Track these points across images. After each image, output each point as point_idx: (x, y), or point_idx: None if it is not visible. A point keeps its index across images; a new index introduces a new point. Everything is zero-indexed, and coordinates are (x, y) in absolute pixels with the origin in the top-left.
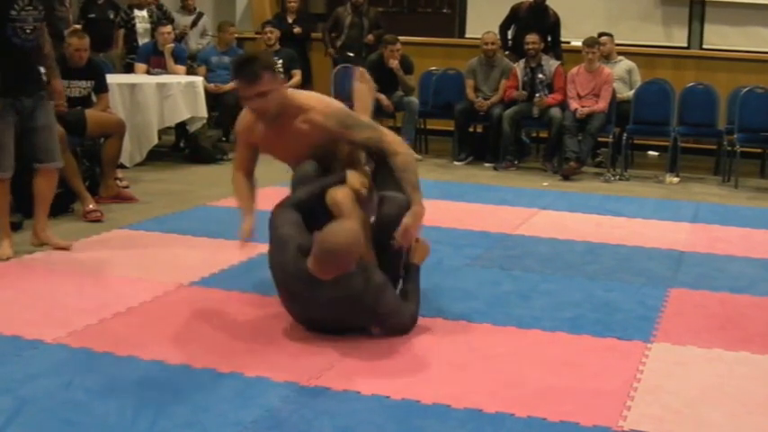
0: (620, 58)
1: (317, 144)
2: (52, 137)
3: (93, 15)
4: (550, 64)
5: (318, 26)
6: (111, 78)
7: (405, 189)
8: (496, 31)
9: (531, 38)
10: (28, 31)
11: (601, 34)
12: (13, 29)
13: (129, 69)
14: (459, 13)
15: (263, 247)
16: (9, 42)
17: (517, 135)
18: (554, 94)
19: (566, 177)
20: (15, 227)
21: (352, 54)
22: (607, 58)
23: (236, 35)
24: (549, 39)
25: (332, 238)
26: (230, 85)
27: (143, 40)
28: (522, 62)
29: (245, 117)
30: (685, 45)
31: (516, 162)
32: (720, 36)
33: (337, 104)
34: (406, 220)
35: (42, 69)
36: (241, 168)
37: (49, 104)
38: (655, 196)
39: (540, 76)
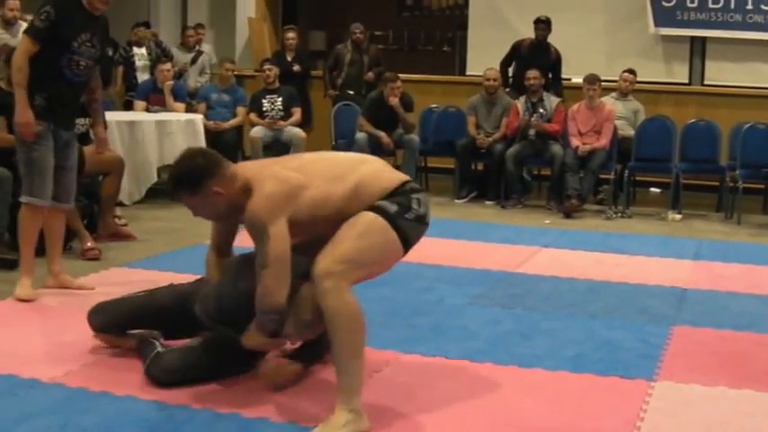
0: (631, 97)
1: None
2: (74, 178)
3: None
4: (551, 100)
5: (318, 64)
6: (111, 116)
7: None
8: (497, 68)
9: (532, 74)
10: (82, 66)
11: (626, 71)
12: (68, 60)
13: (128, 107)
14: (459, 50)
15: None
16: (61, 72)
17: (519, 173)
18: (552, 123)
19: (567, 215)
20: (12, 264)
21: (351, 92)
22: (624, 94)
23: (236, 72)
24: (551, 75)
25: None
26: (230, 123)
27: (142, 78)
28: (522, 98)
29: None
30: (686, 81)
31: (522, 200)
32: (721, 72)
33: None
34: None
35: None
36: (215, 245)
37: (77, 146)
38: (657, 233)
39: (541, 110)
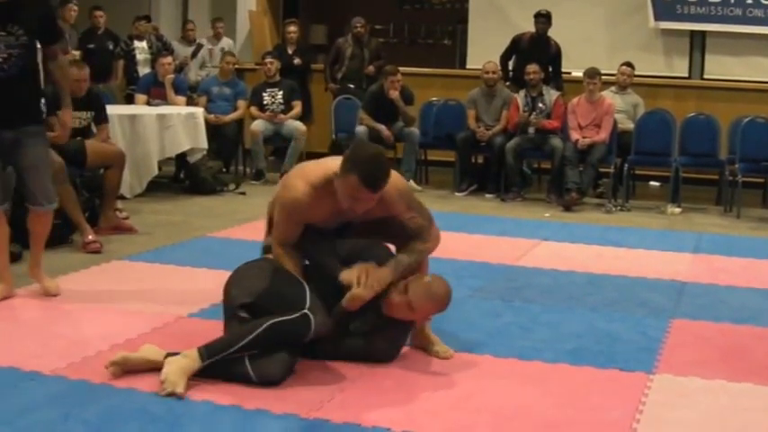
0: (630, 90)
1: (371, 219)
2: (39, 178)
3: (92, 46)
4: (551, 94)
5: (319, 57)
6: (112, 109)
7: (399, 256)
8: (497, 61)
9: (532, 68)
10: (1, 58)
11: (624, 64)
12: None
13: (129, 100)
14: (459, 44)
15: None
16: None
17: (518, 166)
18: (551, 120)
19: (567, 208)
20: (14, 257)
21: (352, 85)
22: (623, 87)
23: (236, 66)
24: (551, 69)
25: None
26: (231, 117)
27: (143, 71)
28: (522, 92)
29: (305, 197)
30: (686, 75)
31: (522, 193)
32: (721, 66)
33: (404, 181)
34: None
35: (43, 101)
36: (285, 242)
37: (40, 142)
38: (656, 227)
39: (541, 105)
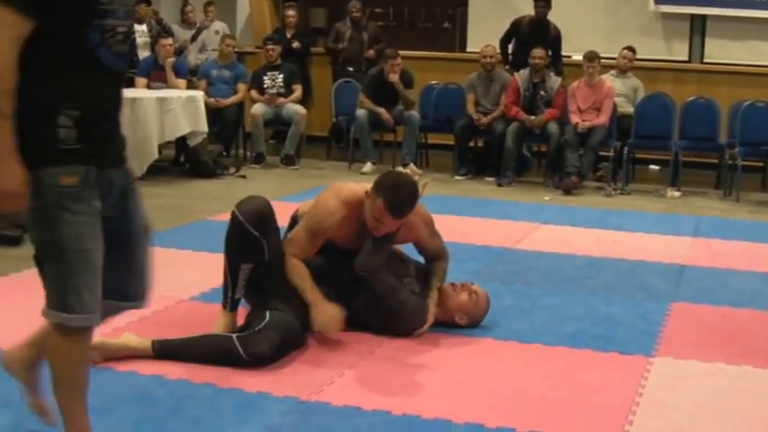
0: (630, 74)
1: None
2: (145, 254)
3: None
4: (553, 80)
5: (318, 41)
6: None
7: (431, 281)
8: (497, 45)
9: (538, 53)
10: (120, 37)
11: (625, 48)
12: (101, 34)
13: (129, 84)
14: (459, 27)
15: None
16: (96, 60)
17: (519, 149)
18: (551, 109)
19: (567, 192)
20: (14, 241)
21: (352, 69)
22: (623, 71)
23: (236, 49)
24: (550, 53)
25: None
26: (231, 100)
27: (143, 55)
28: (524, 73)
29: (335, 214)
30: (686, 59)
31: (517, 177)
32: (721, 50)
33: (427, 211)
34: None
35: None
36: (302, 256)
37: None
38: (656, 210)
39: (542, 92)
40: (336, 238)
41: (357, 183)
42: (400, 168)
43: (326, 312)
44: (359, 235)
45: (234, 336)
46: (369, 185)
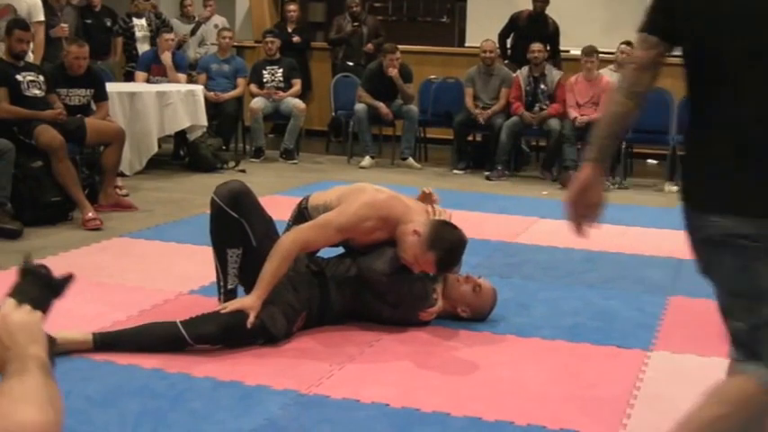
0: None
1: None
2: None
3: (89, 21)
4: (553, 74)
5: (318, 35)
6: (111, 87)
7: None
8: (496, 39)
9: (537, 47)
10: None
11: (624, 43)
12: None
13: (128, 78)
14: (458, 21)
15: None
16: None
17: (517, 144)
18: (554, 104)
19: (565, 186)
20: (14, 234)
21: (351, 63)
22: (621, 66)
23: (236, 43)
24: (549, 47)
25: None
26: (230, 94)
27: (142, 49)
28: (524, 70)
29: (367, 223)
30: None
31: (507, 172)
32: None
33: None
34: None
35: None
36: (305, 249)
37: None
38: (654, 204)
39: (543, 86)
40: (353, 240)
41: (392, 195)
42: (447, 217)
43: (243, 303)
44: (377, 243)
45: (178, 321)
46: (416, 210)
